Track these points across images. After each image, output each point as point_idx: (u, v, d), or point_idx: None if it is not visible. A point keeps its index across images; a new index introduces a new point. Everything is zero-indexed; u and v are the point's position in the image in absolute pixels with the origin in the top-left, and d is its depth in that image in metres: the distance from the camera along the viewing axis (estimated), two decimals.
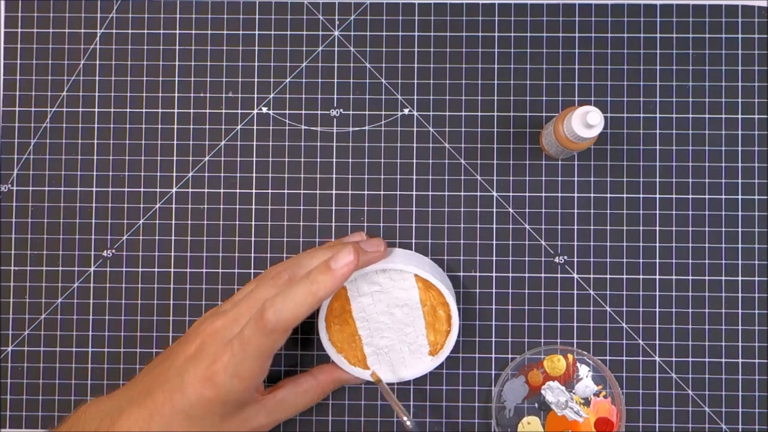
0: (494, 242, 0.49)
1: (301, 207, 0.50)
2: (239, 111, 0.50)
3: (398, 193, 0.50)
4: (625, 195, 0.49)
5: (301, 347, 0.50)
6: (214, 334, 0.41)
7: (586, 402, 0.48)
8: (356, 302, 0.45)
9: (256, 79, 0.50)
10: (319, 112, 0.50)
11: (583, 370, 0.48)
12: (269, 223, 0.50)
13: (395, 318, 0.45)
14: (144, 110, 0.50)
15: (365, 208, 0.50)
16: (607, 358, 0.49)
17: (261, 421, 0.43)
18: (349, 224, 0.50)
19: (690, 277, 0.49)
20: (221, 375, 0.39)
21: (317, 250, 0.45)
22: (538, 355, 0.48)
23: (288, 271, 0.43)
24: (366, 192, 0.50)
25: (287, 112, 0.50)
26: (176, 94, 0.50)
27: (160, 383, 0.41)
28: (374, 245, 0.44)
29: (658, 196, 0.49)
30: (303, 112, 0.50)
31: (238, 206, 0.50)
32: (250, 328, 0.39)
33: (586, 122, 0.41)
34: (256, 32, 0.50)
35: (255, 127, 0.50)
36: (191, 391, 0.39)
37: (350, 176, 0.50)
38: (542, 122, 0.50)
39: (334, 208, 0.50)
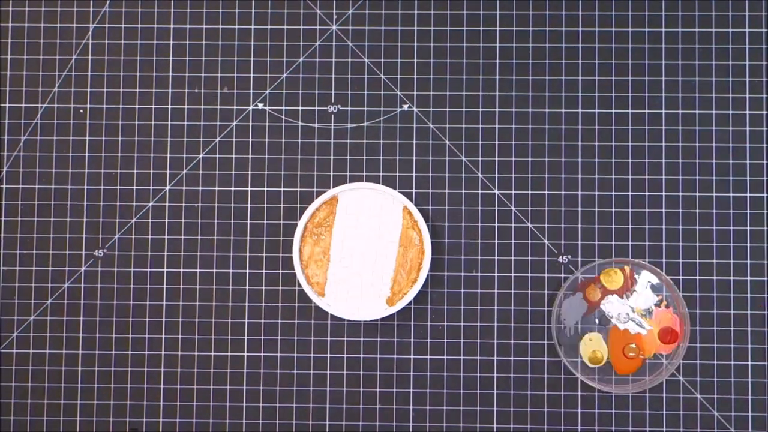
0: (496, 241, 0.48)
1: (298, 205, 0.49)
2: (235, 107, 0.49)
3: (397, 190, 0.49)
4: (630, 193, 0.48)
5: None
6: None
7: (648, 313, 0.47)
8: (341, 217, 0.45)
9: (251, 75, 0.49)
10: (316, 108, 0.49)
11: (642, 282, 0.47)
12: (265, 221, 0.49)
13: (370, 246, 0.45)
14: (137, 106, 0.49)
15: None
16: (648, 282, 0.48)
17: None
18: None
19: (698, 277, 0.48)
20: None
21: None
22: (592, 273, 0.47)
23: None
24: None
25: (284, 108, 0.49)
26: (170, 90, 0.49)
27: None
28: None
29: (663, 193, 0.48)
30: (300, 108, 0.49)
31: (233, 204, 0.49)
32: None
33: None
34: (252, 26, 0.50)
35: (251, 124, 0.49)
36: None
37: (348, 173, 0.49)
38: (545, 118, 0.49)
39: None
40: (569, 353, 0.47)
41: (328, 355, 0.48)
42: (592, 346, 0.47)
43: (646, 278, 0.47)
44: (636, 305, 0.47)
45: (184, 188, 0.49)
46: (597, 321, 0.47)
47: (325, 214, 0.45)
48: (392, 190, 0.45)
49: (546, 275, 0.48)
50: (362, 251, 0.45)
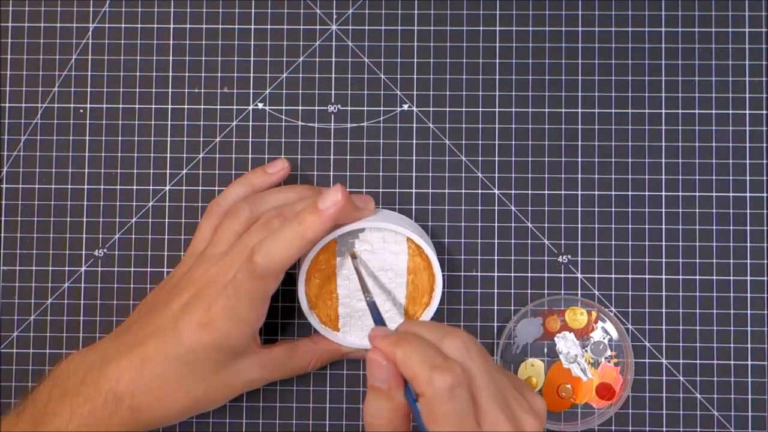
0: (496, 241, 0.48)
1: None
2: (234, 107, 0.49)
3: (397, 190, 0.49)
4: (630, 193, 0.48)
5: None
6: (209, 283, 0.41)
7: (595, 363, 0.47)
8: (342, 258, 0.44)
9: (251, 75, 0.49)
10: (316, 107, 0.49)
11: (601, 332, 0.47)
12: None
13: (377, 282, 0.44)
14: (137, 106, 0.49)
15: None
16: (608, 335, 0.48)
17: (253, 376, 0.42)
18: None
19: (697, 277, 0.48)
20: (218, 320, 0.39)
21: (295, 186, 0.46)
22: (558, 305, 0.47)
23: (278, 218, 0.42)
24: (364, 190, 0.49)
25: (284, 107, 0.49)
26: (170, 90, 0.49)
27: (152, 332, 0.40)
28: (363, 201, 0.44)
29: (663, 193, 0.48)
30: (300, 107, 0.49)
31: None
32: (242, 273, 0.39)
33: None
34: (252, 26, 0.50)
35: (251, 123, 0.49)
36: (187, 336, 0.39)
37: (348, 173, 0.49)
38: (545, 118, 0.49)
39: None
40: (505, 369, 0.47)
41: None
42: (531, 372, 0.47)
43: (607, 330, 0.47)
44: (588, 352, 0.47)
45: (184, 188, 0.49)
46: (546, 350, 0.47)
47: (325, 257, 0.44)
48: (391, 225, 0.43)
49: (546, 275, 0.48)
50: (370, 285, 0.45)
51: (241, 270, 0.39)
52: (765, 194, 0.48)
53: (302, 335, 0.48)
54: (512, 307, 0.48)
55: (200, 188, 0.49)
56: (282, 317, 0.48)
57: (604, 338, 0.47)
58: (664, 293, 0.48)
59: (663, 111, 0.49)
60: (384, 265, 0.44)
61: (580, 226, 0.48)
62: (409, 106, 0.49)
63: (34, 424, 0.40)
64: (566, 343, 0.47)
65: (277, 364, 0.44)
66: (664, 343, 0.48)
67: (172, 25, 0.50)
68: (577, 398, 0.47)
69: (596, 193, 0.49)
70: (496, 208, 0.49)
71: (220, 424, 0.48)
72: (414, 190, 0.49)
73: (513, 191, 0.49)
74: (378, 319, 0.40)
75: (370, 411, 0.36)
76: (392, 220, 0.44)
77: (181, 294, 0.41)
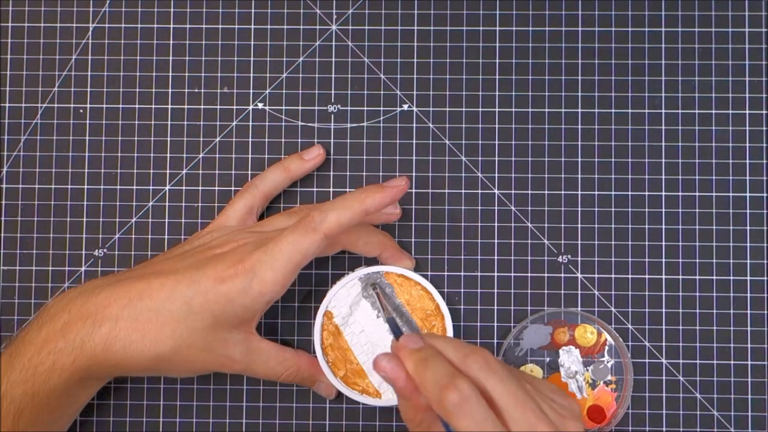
0: (496, 241, 0.48)
1: (298, 204, 0.49)
2: (234, 107, 0.49)
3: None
4: (630, 192, 0.48)
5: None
6: (246, 244, 0.41)
7: (593, 384, 0.47)
8: (347, 330, 0.45)
9: (251, 75, 0.49)
10: (316, 107, 0.49)
11: (607, 356, 0.47)
12: None
13: (389, 336, 0.45)
14: (137, 106, 0.49)
15: None
16: (612, 360, 0.48)
17: (236, 354, 0.42)
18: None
19: (697, 277, 0.48)
20: (243, 274, 0.39)
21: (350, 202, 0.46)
22: (571, 319, 0.47)
23: (321, 216, 0.42)
24: None
25: (284, 107, 0.49)
26: (170, 90, 0.49)
27: (163, 273, 0.40)
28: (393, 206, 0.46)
29: (663, 193, 0.48)
30: (300, 107, 0.49)
31: None
32: (290, 228, 0.40)
33: None
34: (252, 26, 0.50)
35: (251, 123, 0.49)
36: (204, 281, 0.39)
37: (348, 173, 0.49)
38: (545, 118, 0.49)
39: None
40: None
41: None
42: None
43: (613, 355, 0.47)
44: (589, 371, 0.47)
45: (184, 188, 0.49)
46: (548, 359, 0.47)
47: (329, 342, 0.45)
48: (400, 269, 0.45)
49: (546, 275, 0.48)
50: (380, 337, 0.45)
51: (292, 226, 0.40)
52: (765, 194, 0.48)
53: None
54: (512, 308, 0.48)
55: (200, 188, 0.49)
56: (282, 317, 0.48)
57: (608, 362, 0.47)
58: (664, 293, 0.48)
59: (663, 111, 0.49)
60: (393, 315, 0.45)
61: (580, 226, 0.48)
62: (409, 106, 0.49)
63: (11, 356, 0.40)
64: (570, 358, 0.47)
65: (260, 357, 0.43)
66: (664, 343, 0.48)
67: (172, 25, 0.50)
68: None
69: (596, 193, 0.49)
70: (496, 208, 0.49)
71: (220, 424, 0.48)
72: (414, 190, 0.49)
73: (513, 191, 0.49)
74: (399, 335, 0.40)
75: (401, 410, 0.37)
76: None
77: (212, 249, 0.42)
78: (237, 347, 0.42)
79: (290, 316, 0.48)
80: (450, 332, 0.45)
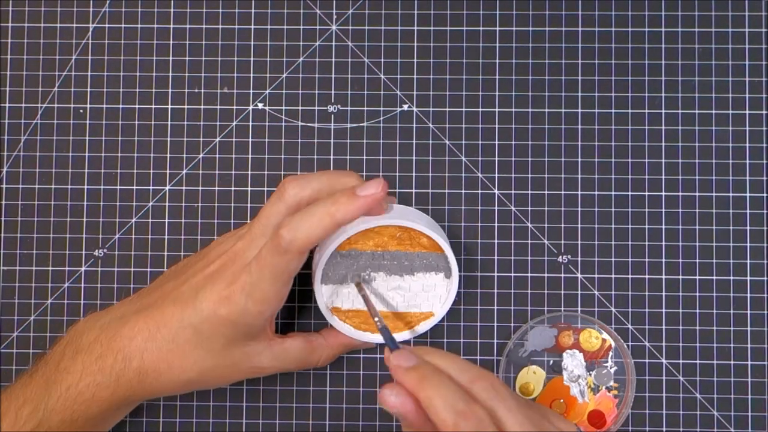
0: (496, 241, 0.48)
1: None
2: (234, 107, 0.49)
3: (397, 190, 0.49)
4: (630, 193, 0.48)
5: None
6: (234, 256, 0.41)
7: (596, 389, 0.47)
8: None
9: (251, 75, 0.49)
10: (316, 108, 0.49)
11: (611, 362, 0.47)
12: None
13: (397, 284, 0.44)
14: (137, 106, 0.49)
15: None
16: (615, 366, 0.48)
17: (263, 362, 0.43)
18: None
19: (697, 277, 0.48)
20: (237, 294, 0.39)
21: (329, 171, 0.46)
22: (575, 322, 0.47)
23: (293, 184, 0.42)
24: None
25: (284, 108, 0.49)
26: (170, 90, 0.49)
27: (173, 298, 0.41)
28: (388, 200, 0.44)
29: (663, 193, 0.48)
30: (300, 108, 0.49)
31: (233, 204, 0.49)
32: (266, 248, 0.39)
33: None
34: (252, 26, 0.50)
35: (251, 124, 0.49)
36: (205, 306, 0.40)
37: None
38: (545, 118, 0.49)
39: None
40: (507, 369, 0.47)
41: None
42: (531, 379, 0.47)
43: (617, 360, 0.47)
44: (592, 376, 0.47)
45: (184, 188, 0.49)
46: (551, 362, 0.47)
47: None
48: (410, 222, 0.42)
49: (546, 275, 0.48)
50: (393, 287, 0.45)
51: (267, 245, 0.39)
52: (765, 194, 0.48)
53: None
54: (512, 308, 0.48)
55: (200, 188, 0.49)
56: (283, 317, 0.48)
57: (611, 368, 0.47)
58: (664, 293, 0.48)
59: (663, 111, 0.49)
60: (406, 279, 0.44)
61: (580, 226, 0.48)
62: (409, 106, 0.49)
63: (47, 383, 0.40)
64: (573, 362, 0.47)
65: (288, 356, 0.44)
66: (664, 343, 0.48)
67: (172, 25, 0.50)
68: (567, 417, 0.47)
69: (596, 193, 0.49)
70: (496, 208, 0.49)
71: (220, 424, 0.48)
72: (414, 190, 0.49)
73: (513, 191, 0.49)
74: (392, 345, 0.38)
75: None
76: (409, 216, 0.43)
77: (208, 265, 0.42)
78: (261, 356, 0.42)
79: (289, 316, 0.48)
80: (455, 274, 0.44)
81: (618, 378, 0.47)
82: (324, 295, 0.44)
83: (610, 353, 0.47)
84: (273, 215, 0.41)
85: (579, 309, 0.48)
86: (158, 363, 0.40)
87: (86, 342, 0.41)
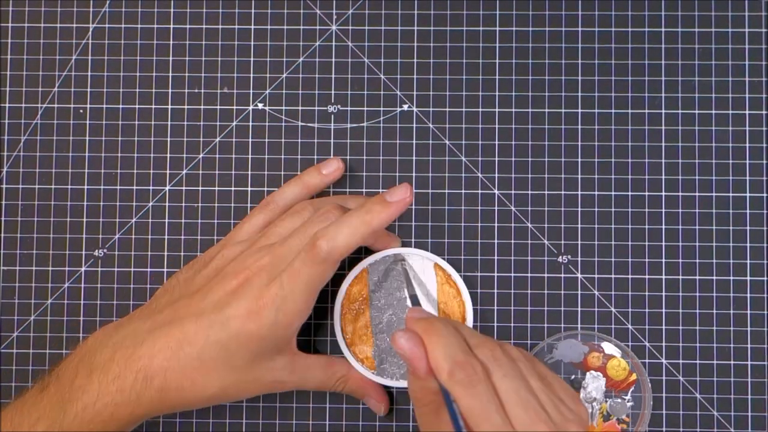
0: (496, 241, 0.48)
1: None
2: (234, 107, 0.49)
3: (428, 251, 0.49)
4: (630, 193, 0.48)
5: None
6: (261, 271, 0.41)
7: (606, 417, 0.47)
8: (374, 289, 0.45)
9: (251, 75, 0.49)
10: (316, 108, 0.49)
11: (629, 396, 0.47)
12: None
13: (424, 289, 0.45)
14: (137, 106, 0.49)
15: None
16: (632, 395, 0.48)
17: (284, 377, 0.43)
18: None
19: (697, 277, 0.48)
20: (267, 309, 0.40)
21: (352, 195, 0.48)
22: (612, 349, 0.47)
23: (339, 210, 0.43)
24: (364, 189, 0.49)
25: (283, 108, 0.49)
26: (170, 90, 0.49)
27: (193, 314, 0.41)
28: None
29: (663, 193, 0.48)
30: (300, 108, 0.49)
31: (233, 204, 0.49)
32: (300, 259, 0.40)
33: None
34: (252, 27, 0.50)
35: (251, 124, 0.49)
36: (233, 323, 0.40)
37: (348, 174, 0.49)
38: (545, 118, 0.49)
39: None
40: None
41: (328, 355, 0.48)
42: None
43: (636, 394, 0.47)
44: (607, 403, 0.47)
45: (184, 188, 0.49)
46: (572, 377, 0.47)
47: (357, 289, 0.45)
48: (420, 251, 0.45)
49: (546, 275, 0.48)
50: (403, 317, 0.45)
51: (301, 256, 0.40)
52: (765, 194, 0.48)
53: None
54: (512, 308, 0.48)
55: (200, 188, 0.49)
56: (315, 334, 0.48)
57: (628, 402, 0.47)
58: (664, 293, 0.48)
59: (663, 111, 0.49)
60: (415, 294, 0.44)
61: (580, 226, 0.48)
62: (409, 106, 0.49)
63: (62, 401, 0.40)
64: (594, 384, 0.47)
65: (308, 373, 0.44)
66: (664, 343, 0.48)
67: (172, 25, 0.50)
68: None
69: (596, 193, 0.49)
70: (496, 208, 0.49)
71: (220, 424, 0.48)
72: (414, 190, 0.49)
73: (513, 191, 0.49)
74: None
75: (410, 387, 0.38)
76: (421, 250, 0.46)
77: (228, 280, 0.41)
78: (284, 371, 0.43)
79: None
80: (470, 320, 0.45)
81: (632, 412, 0.47)
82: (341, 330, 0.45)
83: (632, 388, 0.47)
84: (289, 232, 0.43)
85: (579, 307, 0.48)
86: (182, 380, 0.40)
87: (100, 361, 0.40)
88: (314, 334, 0.48)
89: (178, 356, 0.40)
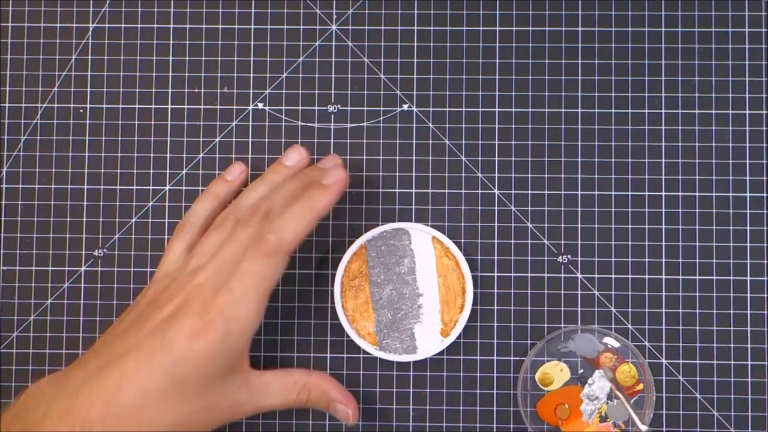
0: (496, 241, 0.48)
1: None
2: (234, 107, 0.49)
3: (397, 190, 0.49)
4: (630, 192, 0.48)
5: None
6: (199, 288, 0.38)
7: (603, 418, 0.47)
8: (373, 264, 0.45)
9: (251, 75, 0.49)
10: (316, 108, 0.49)
11: (634, 403, 0.47)
12: None
13: (410, 287, 0.45)
14: (137, 106, 0.49)
15: (363, 206, 0.49)
16: (633, 413, 0.47)
17: (241, 399, 0.39)
18: (347, 222, 0.48)
19: (697, 277, 0.48)
20: (215, 321, 0.37)
21: (264, 180, 0.45)
22: (625, 354, 0.47)
23: (262, 209, 0.41)
24: (364, 189, 0.49)
25: (283, 108, 0.49)
26: (170, 90, 0.49)
27: (130, 349, 0.37)
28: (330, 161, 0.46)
29: (663, 193, 0.48)
30: (300, 108, 0.49)
31: None
32: (248, 259, 0.38)
33: None
34: (252, 26, 0.50)
35: (251, 124, 0.49)
36: (177, 346, 0.36)
37: (348, 174, 0.49)
38: (545, 118, 0.49)
39: None
40: (540, 353, 0.47)
41: (328, 355, 0.48)
42: (553, 371, 0.47)
43: (639, 404, 0.47)
44: (608, 406, 0.47)
45: (184, 188, 0.49)
46: (581, 369, 0.47)
47: (357, 265, 0.45)
48: (418, 225, 0.45)
49: (546, 275, 0.48)
50: (403, 291, 0.45)
51: (248, 256, 0.38)
52: (765, 194, 0.48)
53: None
54: (512, 308, 0.48)
55: (200, 188, 0.49)
56: (282, 317, 0.48)
57: (630, 409, 0.47)
58: (664, 293, 0.48)
59: (663, 111, 0.49)
60: (414, 268, 0.44)
61: (580, 226, 0.48)
62: (409, 106, 0.49)
63: None
64: (600, 384, 0.47)
65: (266, 393, 0.41)
66: (664, 343, 0.48)
67: (172, 25, 0.50)
68: (565, 426, 0.47)
69: (596, 193, 0.49)
70: (496, 208, 0.49)
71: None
72: (414, 190, 0.49)
73: (513, 191, 0.49)
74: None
75: None
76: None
77: (164, 306, 0.38)
78: (240, 391, 0.39)
79: (289, 316, 0.48)
80: (470, 291, 0.45)
81: (629, 419, 0.47)
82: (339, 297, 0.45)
83: (635, 397, 0.47)
84: (217, 247, 0.41)
85: (579, 307, 0.48)
86: (126, 423, 0.36)
87: (33, 420, 0.36)
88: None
89: (119, 398, 0.36)
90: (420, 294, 0.45)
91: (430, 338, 0.45)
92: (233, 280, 0.38)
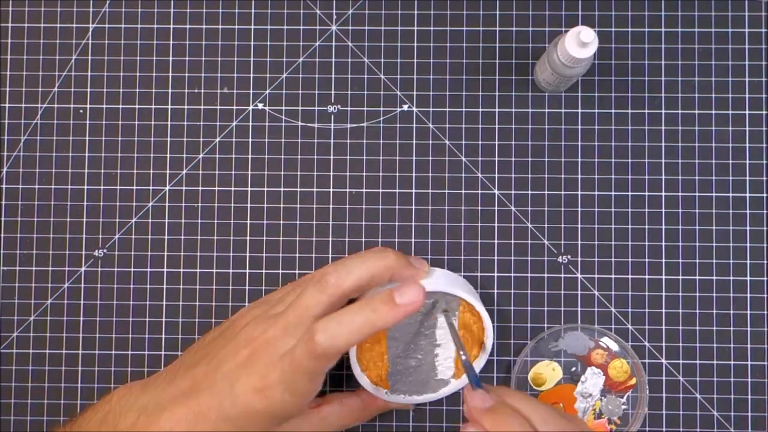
0: (496, 241, 0.48)
1: (298, 205, 0.49)
2: (234, 107, 0.49)
3: (397, 190, 0.49)
4: (630, 193, 0.48)
5: None
6: (266, 345, 0.40)
7: (598, 414, 0.47)
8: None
9: (251, 75, 0.49)
10: (316, 108, 0.49)
11: (624, 399, 0.47)
12: (265, 221, 0.49)
13: (428, 340, 0.44)
14: (137, 106, 0.49)
15: (363, 207, 0.49)
16: (630, 409, 0.47)
17: (302, 428, 0.43)
18: (347, 223, 0.49)
19: (697, 277, 0.48)
20: (273, 389, 0.38)
21: (367, 256, 0.42)
22: (622, 354, 0.47)
23: (335, 275, 0.41)
24: (364, 190, 0.49)
25: (283, 108, 0.49)
26: (170, 90, 0.49)
27: (207, 385, 0.40)
28: (419, 263, 0.43)
29: (663, 193, 0.48)
30: (300, 108, 0.49)
31: (233, 204, 0.49)
32: (300, 349, 0.38)
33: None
34: (252, 27, 0.50)
35: (250, 124, 0.49)
36: (242, 401, 0.39)
37: (348, 174, 0.49)
38: (545, 118, 0.49)
39: (331, 206, 0.49)
40: (534, 353, 0.47)
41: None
42: (545, 371, 0.47)
43: (633, 394, 0.47)
44: (603, 402, 0.47)
45: (184, 188, 0.49)
46: (573, 368, 0.47)
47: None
48: (446, 287, 0.43)
49: (546, 275, 0.48)
50: (420, 345, 0.44)
51: (300, 346, 0.38)
52: (765, 194, 0.48)
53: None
54: (512, 308, 0.48)
55: (200, 188, 0.49)
56: None
57: (622, 404, 0.47)
58: (663, 293, 0.48)
59: (663, 111, 0.49)
60: (435, 324, 0.44)
61: (580, 226, 0.48)
62: (409, 107, 0.49)
63: None
64: (593, 380, 0.47)
65: (326, 424, 0.44)
66: (664, 343, 0.48)
67: (172, 25, 0.50)
68: None
69: (596, 193, 0.49)
70: (496, 208, 0.49)
71: None
72: (414, 190, 0.49)
73: (513, 191, 0.49)
74: (474, 380, 0.39)
75: None
76: (442, 280, 0.43)
77: (238, 350, 0.40)
78: (300, 428, 0.43)
79: None
80: (489, 344, 0.44)
81: (625, 413, 0.47)
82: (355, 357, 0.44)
83: (628, 392, 0.47)
84: (313, 306, 0.40)
85: (579, 307, 0.48)
86: None
87: (124, 425, 0.40)
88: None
89: (196, 429, 0.39)
90: (437, 345, 0.44)
91: (441, 382, 0.45)
92: (287, 360, 0.39)
